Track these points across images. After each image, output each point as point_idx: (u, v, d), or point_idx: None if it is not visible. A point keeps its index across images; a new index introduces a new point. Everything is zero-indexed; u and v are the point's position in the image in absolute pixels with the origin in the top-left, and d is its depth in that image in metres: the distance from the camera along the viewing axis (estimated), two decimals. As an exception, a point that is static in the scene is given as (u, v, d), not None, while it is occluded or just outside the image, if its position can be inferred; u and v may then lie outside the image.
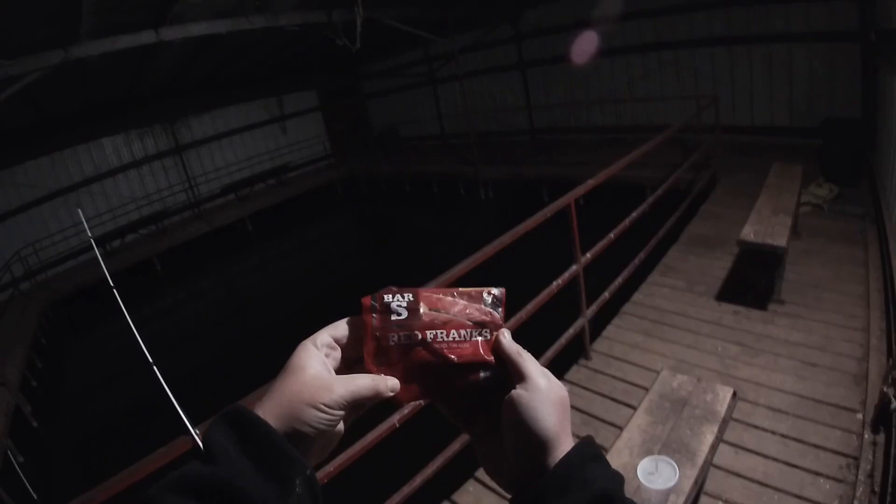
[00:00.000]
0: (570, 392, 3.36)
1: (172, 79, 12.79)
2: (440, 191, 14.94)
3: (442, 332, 0.69)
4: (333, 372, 0.66)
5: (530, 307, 3.59)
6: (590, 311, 4.36)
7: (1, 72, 6.58)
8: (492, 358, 0.70)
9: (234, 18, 8.17)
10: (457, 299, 0.72)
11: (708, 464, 2.36)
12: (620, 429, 2.72)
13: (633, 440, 2.46)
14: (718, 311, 4.90)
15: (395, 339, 0.69)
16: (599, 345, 4.74)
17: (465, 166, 13.89)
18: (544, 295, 3.71)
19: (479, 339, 0.70)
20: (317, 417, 0.60)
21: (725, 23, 10.62)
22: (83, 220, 1.41)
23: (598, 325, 4.91)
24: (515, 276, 2.69)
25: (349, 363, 0.69)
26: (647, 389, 2.92)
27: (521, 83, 15.06)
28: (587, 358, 4.52)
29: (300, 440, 0.59)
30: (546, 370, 0.67)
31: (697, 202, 7.55)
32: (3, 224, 13.32)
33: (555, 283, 3.84)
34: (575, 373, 4.43)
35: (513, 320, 3.39)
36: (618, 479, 0.61)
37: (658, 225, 5.76)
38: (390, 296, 0.70)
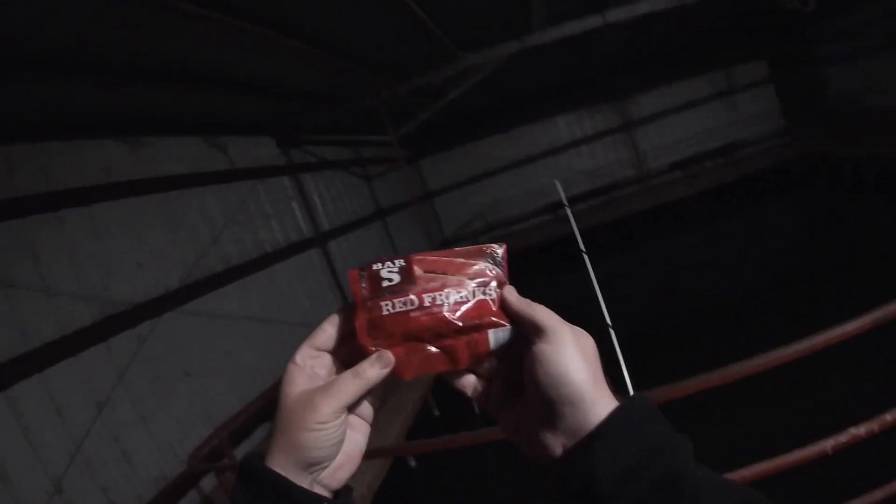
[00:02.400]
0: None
1: (619, 56, 13.16)
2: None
3: (441, 295, 0.62)
4: (325, 381, 0.61)
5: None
6: None
7: (467, 63, 8.11)
8: (501, 317, 0.62)
9: (675, -8, 7.93)
10: (454, 259, 0.64)
11: None
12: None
13: None
14: None
15: (389, 307, 0.61)
16: None
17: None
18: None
19: (484, 297, 0.63)
20: (314, 438, 0.57)
21: None
22: (561, 190, 1.74)
23: None
24: None
25: (349, 360, 0.63)
26: None
27: None
28: None
29: (315, 464, 0.58)
30: (564, 320, 0.60)
31: None
32: (472, 186, 16.62)
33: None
34: None
35: None
36: (683, 445, 0.53)
37: None
38: (379, 264, 0.63)
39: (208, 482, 5.43)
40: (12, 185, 4.52)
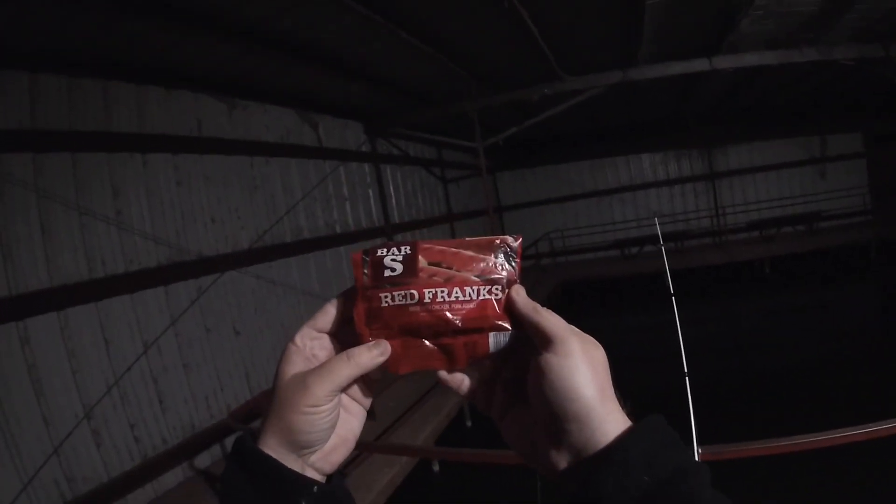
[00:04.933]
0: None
1: (715, 105, 12.67)
2: None
3: (443, 291, 0.56)
4: (321, 363, 0.57)
5: None
6: None
7: (567, 85, 7.84)
8: (504, 319, 0.56)
9: (786, 50, 7.51)
10: (463, 251, 0.57)
11: None
12: None
13: None
14: None
15: (388, 299, 0.56)
16: None
17: None
18: None
19: (489, 297, 0.56)
20: (306, 422, 0.54)
21: None
22: (658, 225, 1.61)
23: None
24: None
25: (350, 344, 0.58)
26: None
27: None
28: None
29: (306, 447, 0.55)
30: (575, 328, 0.54)
31: None
32: (545, 207, 16.33)
33: None
34: None
35: None
36: (701, 473, 0.47)
37: None
38: (384, 249, 0.58)
39: (231, 440, 5.35)
40: (107, 120, 4.58)
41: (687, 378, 1.50)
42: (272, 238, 6.49)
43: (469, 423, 7.48)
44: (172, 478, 4.70)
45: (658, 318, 12.79)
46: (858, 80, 10.39)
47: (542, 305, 0.55)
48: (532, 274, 14.10)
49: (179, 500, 4.51)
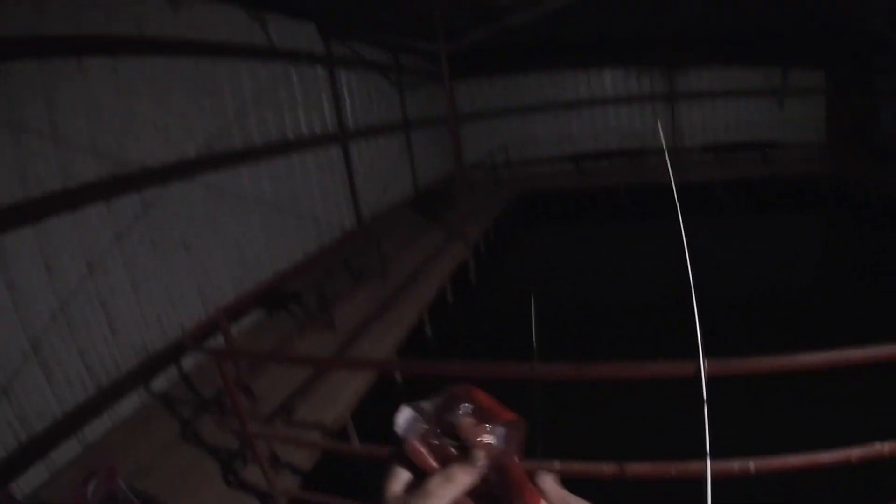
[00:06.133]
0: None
1: (683, 28, 12.38)
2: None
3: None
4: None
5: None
6: None
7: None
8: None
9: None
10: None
11: None
12: None
13: None
14: None
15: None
16: None
17: None
18: None
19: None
20: None
21: None
22: (661, 130, 1.46)
23: None
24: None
25: None
26: None
27: None
28: None
29: None
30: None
31: None
32: (503, 118, 15.97)
33: None
34: None
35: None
36: None
37: None
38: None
39: (189, 360, 5.29)
40: (38, 23, 4.01)
41: (693, 289, 1.50)
42: (221, 146, 6.09)
43: (429, 332, 7.58)
44: (129, 405, 4.57)
45: (612, 231, 13.00)
46: (835, 19, 10.20)
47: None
48: (488, 186, 14.01)
49: (138, 427, 4.41)
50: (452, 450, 0.65)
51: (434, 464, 0.65)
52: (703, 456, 1.12)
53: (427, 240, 9.64)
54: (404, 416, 0.70)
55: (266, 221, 6.83)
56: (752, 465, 2.30)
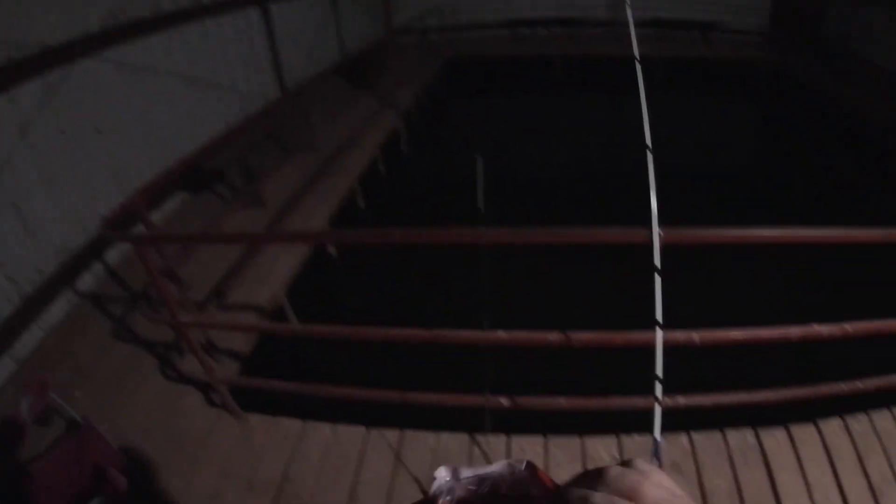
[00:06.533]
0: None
1: None
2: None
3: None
4: None
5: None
6: None
7: None
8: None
9: None
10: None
11: None
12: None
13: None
14: None
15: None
16: None
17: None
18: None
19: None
20: None
21: None
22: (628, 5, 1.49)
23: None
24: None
25: None
26: None
27: None
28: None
29: None
30: None
31: None
32: None
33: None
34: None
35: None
36: None
37: None
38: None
39: (114, 254, 5.23)
40: None
41: (649, 152, 1.58)
42: (128, 15, 5.60)
43: (362, 204, 7.68)
44: (58, 310, 4.51)
45: (548, 101, 12.87)
46: None
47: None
48: (419, 51, 13.47)
49: (70, 332, 4.38)
50: None
51: None
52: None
53: (356, 108, 9.46)
54: (441, 476, 0.56)
55: (182, 95, 6.50)
56: (696, 336, 2.36)
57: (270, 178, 6.48)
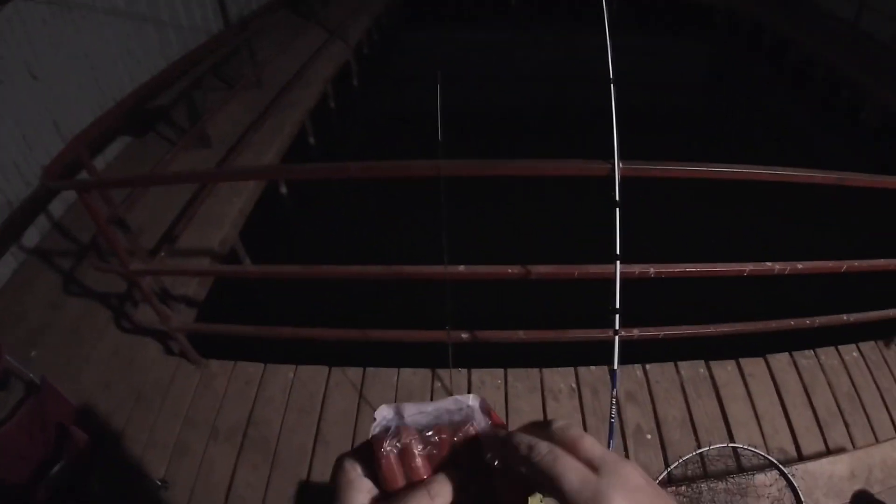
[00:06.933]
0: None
1: None
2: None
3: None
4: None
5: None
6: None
7: None
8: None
9: None
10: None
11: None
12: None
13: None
14: None
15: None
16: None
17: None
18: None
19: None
20: None
21: None
22: None
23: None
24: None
25: None
26: None
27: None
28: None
29: None
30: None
31: None
32: None
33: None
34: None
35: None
36: None
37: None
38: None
39: (58, 205, 5.05)
40: None
41: (612, 85, 1.55)
42: None
43: (312, 140, 7.58)
44: (5, 269, 4.38)
45: (504, 32, 12.50)
46: None
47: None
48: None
49: (20, 290, 4.25)
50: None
51: (402, 484, 0.47)
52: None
53: (304, 41, 9.06)
54: (382, 416, 0.53)
55: (120, 32, 6.13)
56: (652, 270, 2.42)
57: (217, 116, 6.22)
